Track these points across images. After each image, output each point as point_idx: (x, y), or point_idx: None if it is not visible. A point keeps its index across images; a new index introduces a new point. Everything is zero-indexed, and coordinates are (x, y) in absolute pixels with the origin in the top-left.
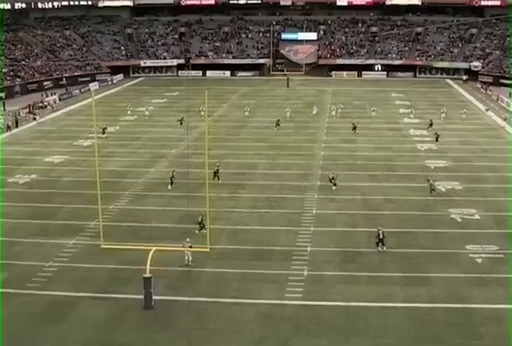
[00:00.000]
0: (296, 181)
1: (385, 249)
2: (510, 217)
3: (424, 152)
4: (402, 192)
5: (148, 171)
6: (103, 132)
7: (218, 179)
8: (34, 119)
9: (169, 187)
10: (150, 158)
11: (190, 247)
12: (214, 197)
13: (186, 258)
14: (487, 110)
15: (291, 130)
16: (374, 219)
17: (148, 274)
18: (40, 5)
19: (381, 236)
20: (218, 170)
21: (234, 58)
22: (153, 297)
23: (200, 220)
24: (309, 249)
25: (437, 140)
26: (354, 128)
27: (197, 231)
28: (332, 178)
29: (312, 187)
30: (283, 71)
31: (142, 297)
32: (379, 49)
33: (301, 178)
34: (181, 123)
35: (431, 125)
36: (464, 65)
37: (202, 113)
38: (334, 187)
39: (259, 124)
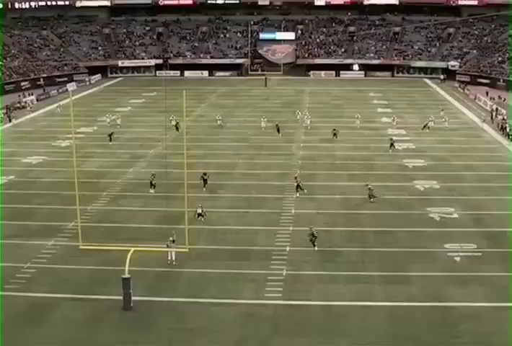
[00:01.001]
0: (275, 180)
1: (315, 248)
2: (488, 215)
3: (402, 151)
4: (381, 191)
5: (127, 171)
6: (110, 139)
7: (205, 186)
8: (10, 120)
9: (151, 190)
10: (128, 159)
11: (167, 246)
12: (193, 198)
13: (169, 258)
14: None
15: (270, 129)
16: (353, 218)
17: (127, 275)
18: (16, 5)
19: (315, 234)
20: (206, 180)
21: (212, 58)
22: (133, 298)
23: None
24: (288, 248)
25: (391, 146)
26: (334, 135)
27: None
28: (298, 185)
29: (291, 187)
30: (261, 70)
31: (121, 298)
32: (357, 48)
33: (280, 178)
34: (177, 128)
35: (426, 127)
36: (441, 64)
37: (173, 122)
38: (303, 191)
39: (237, 124)
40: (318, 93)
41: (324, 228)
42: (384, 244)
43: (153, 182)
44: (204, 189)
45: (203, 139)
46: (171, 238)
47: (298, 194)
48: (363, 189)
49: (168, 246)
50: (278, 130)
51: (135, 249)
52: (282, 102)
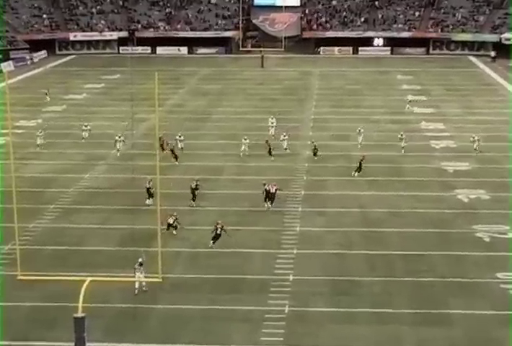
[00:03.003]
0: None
1: (211, 244)
2: None
3: (440, 151)
4: (411, 203)
5: (82, 177)
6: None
7: (194, 199)
8: None
9: (148, 201)
10: (83, 161)
11: (134, 271)
12: (168, 211)
13: (136, 286)
14: None
15: (267, 123)
16: (375, 238)
17: (80, 314)
18: None
19: (218, 232)
20: (197, 187)
21: (192, 30)
22: (88, 344)
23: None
24: (291, 277)
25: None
26: (315, 154)
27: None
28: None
29: (295, 197)
30: (256, 46)
31: (72, 345)
32: (381, 17)
33: (281, 185)
34: (173, 154)
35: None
36: (492, 37)
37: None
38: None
39: (225, 116)
40: (330, 76)
41: (338, 251)
42: (415, 272)
43: (151, 191)
44: (192, 203)
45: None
46: (140, 260)
47: (268, 205)
48: (388, 200)
49: (135, 271)
50: (270, 152)
51: (91, 278)
52: (283, 88)
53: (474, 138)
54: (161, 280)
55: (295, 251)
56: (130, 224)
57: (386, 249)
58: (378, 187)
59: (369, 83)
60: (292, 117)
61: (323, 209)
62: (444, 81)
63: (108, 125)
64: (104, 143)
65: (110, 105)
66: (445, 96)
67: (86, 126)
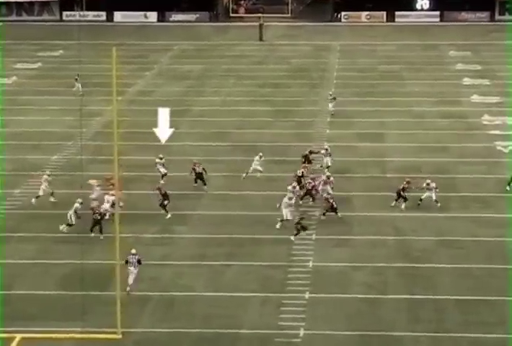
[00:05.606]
0: (277, 209)
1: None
2: None
3: (509, 156)
4: (470, 228)
5: (10, 194)
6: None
7: (204, 183)
8: None
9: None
10: (12, 172)
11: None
12: (130, 240)
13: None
14: None
15: (269, 118)
16: (419, 277)
17: None
18: None
19: (198, 171)
20: (201, 172)
21: None
22: None
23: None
24: (301, 332)
25: None
26: (306, 160)
27: None
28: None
29: (307, 220)
30: (252, 12)
31: None
32: None
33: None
34: (200, 178)
35: None
36: None
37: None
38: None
39: (210, 108)
40: (355, 52)
41: (367, 296)
42: (475, 324)
43: (165, 204)
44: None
45: (149, 135)
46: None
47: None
48: (436, 223)
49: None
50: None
51: (22, 335)
52: (289, 69)
53: None
54: (120, 336)
55: (307, 296)
56: (77, 258)
57: (434, 292)
58: (422, 205)
59: (410, 62)
60: (303, 110)
61: (346, 236)
62: None
63: (46, 120)
64: (41, 145)
65: (50, 93)
66: None
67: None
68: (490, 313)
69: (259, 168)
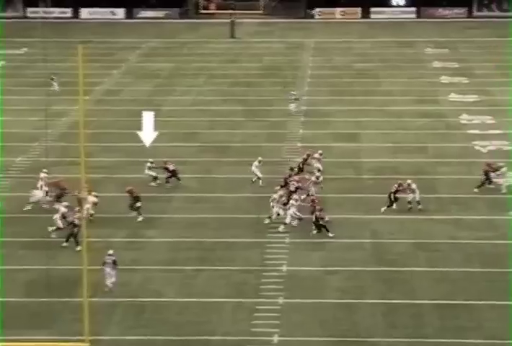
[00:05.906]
0: (250, 212)
1: (78, 249)
2: None
3: (488, 156)
4: (449, 230)
5: None
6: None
7: (179, 179)
8: None
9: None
10: None
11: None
12: (99, 245)
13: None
14: None
15: (241, 117)
16: (396, 281)
17: None
18: None
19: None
20: (174, 169)
21: None
22: None
23: None
24: (275, 338)
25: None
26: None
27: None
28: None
29: (281, 223)
30: (223, 8)
31: None
32: None
33: (260, 205)
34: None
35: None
36: None
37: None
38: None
39: (180, 108)
40: (329, 50)
41: (343, 300)
42: (453, 330)
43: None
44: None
45: (117, 136)
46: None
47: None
48: (413, 226)
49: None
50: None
51: None
52: (262, 67)
53: None
54: (88, 344)
55: (281, 301)
56: (43, 264)
57: (411, 297)
58: (399, 208)
59: (386, 60)
60: (276, 109)
61: (321, 240)
62: (493, 55)
63: (10, 120)
64: (5, 147)
65: (12, 93)
66: (494, 77)
67: None
68: (468, 318)
69: (259, 174)
